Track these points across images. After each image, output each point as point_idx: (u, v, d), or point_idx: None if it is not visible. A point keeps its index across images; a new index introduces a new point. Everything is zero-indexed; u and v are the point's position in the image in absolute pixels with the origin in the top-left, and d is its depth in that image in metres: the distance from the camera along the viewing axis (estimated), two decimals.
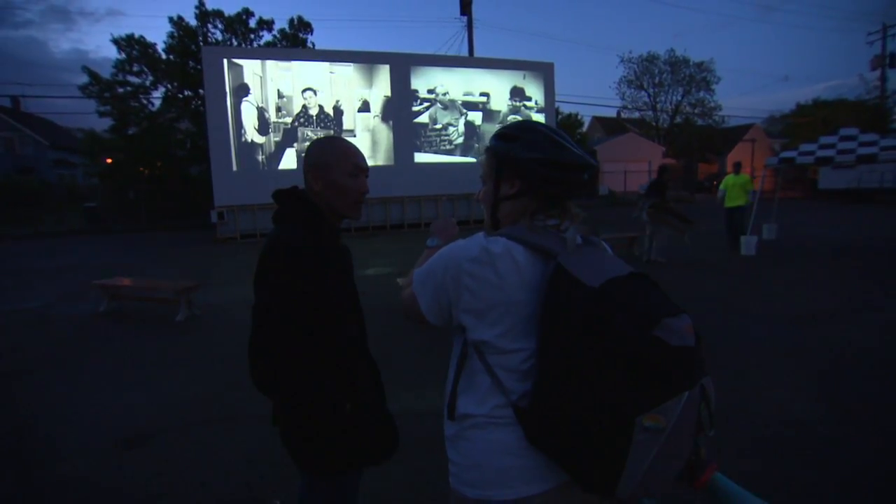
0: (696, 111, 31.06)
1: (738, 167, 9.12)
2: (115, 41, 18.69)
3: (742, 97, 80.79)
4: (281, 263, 1.13)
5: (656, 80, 31.01)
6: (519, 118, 16.88)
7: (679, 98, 31.11)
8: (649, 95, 31.64)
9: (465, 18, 19.70)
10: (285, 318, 1.12)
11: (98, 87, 18.74)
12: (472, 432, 0.91)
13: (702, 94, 30.66)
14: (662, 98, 31.50)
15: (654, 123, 32.28)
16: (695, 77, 30.29)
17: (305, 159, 1.28)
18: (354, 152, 1.28)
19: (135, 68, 19.13)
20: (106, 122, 19.58)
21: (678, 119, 31.47)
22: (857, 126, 8.88)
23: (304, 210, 1.23)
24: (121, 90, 19.05)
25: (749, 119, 34.55)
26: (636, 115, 33.12)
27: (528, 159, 0.93)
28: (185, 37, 19.11)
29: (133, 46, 18.88)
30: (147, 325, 5.53)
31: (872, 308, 5.13)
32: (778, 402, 3.10)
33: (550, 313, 0.81)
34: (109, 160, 19.73)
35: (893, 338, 4.24)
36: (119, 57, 18.81)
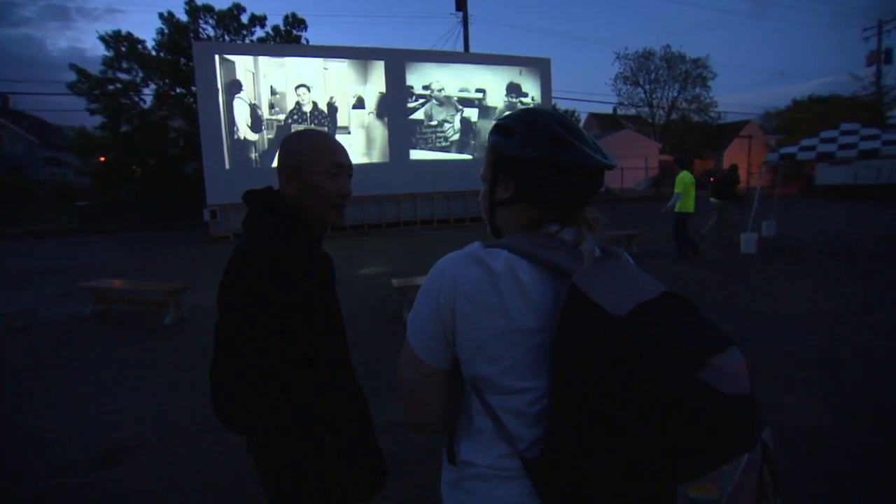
0: (692, 107, 30.99)
1: (685, 163, 8.02)
2: (103, 38, 18.37)
3: (738, 93, 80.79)
4: (248, 276, 0.96)
5: (652, 77, 30.91)
6: None
7: (675, 94, 31.03)
8: (645, 92, 31.54)
9: (460, 14, 19.51)
10: (253, 341, 0.96)
11: (87, 84, 18.40)
12: (474, 484, 0.76)
13: (698, 90, 30.60)
14: (658, 94, 31.41)
15: (650, 120, 32.18)
16: (691, 73, 30.21)
17: (278, 157, 1.11)
18: (333, 148, 1.10)
19: (124, 65, 18.80)
20: (98, 120, 19.30)
21: (674, 115, 31.39)
22: (853, 122, 8.77)
23: (276, 214, 1.06)
24: (111, 87, 18.73)
25: (745, 115, 34.42)
26: (632, 111, 33.01)
27: (522, 159, 0.77)
28: (176, 33, 18.81)
29: (121, 43, 18.56)
30: (133, 329, 5.36)
31: (878, 308, 5.02)
32: (790, 407, 2.98)
33: (565, 348, 0.65)
34: (102, 158, 19.45)
35: None
36: (107, 54, 18.50)
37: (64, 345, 4.86)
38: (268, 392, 0.97)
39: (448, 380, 0.79)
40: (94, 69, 18.55)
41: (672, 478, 0.58)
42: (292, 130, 11.24)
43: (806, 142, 8.65)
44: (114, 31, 18.51)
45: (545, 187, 0.77)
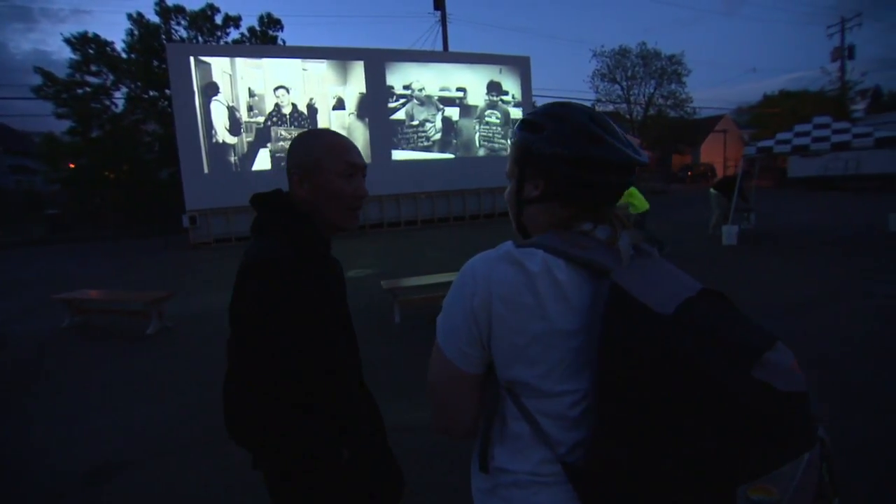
0: (668, 103, 31.55)
1: None
2: (68, 41, 17.74)
3: (712, 89, 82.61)
4: (262, 286, 0.92)
5: (629, 74, 31.33)
6: (497, 113, 16.84)
7: (651, 91, 31.55)
8: (622, 88, 31.96)
9: (438, 13, 19.46)
10: (269, 354, 0.91)
11: (54, 88, 17.75)
12: (511, 491, 0.74)
13: (673, 86, 31.16)
14: (635, 91, 31.86)
15: (627, 116, 32.65)
16: (666, 70, 30.74)
17: (288, 158, 1.06)
18: (347, 147, 1.06)
19: (93, 68, 18.20)
20: (66, 125, 18.63)
21: (651, 111, 31.90)
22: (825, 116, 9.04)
23: (287, 219, 1.02)
24: (80, 91, 18.10)
25: (719, 110, 35.23)
26: (610, 108, 33.41)
27: (551, 156, 0.74)
28: (147, 34, 18.30)
29: (88, 45, 17.96)
30: (115, 341, 5.18)
31: (860, 294, 5.16)
32: None
33: (610, 349, 0.64)
34: (72, 164, 18.80)
35: (886, 324, 4.25)
36: (74, 57, 17.86)
37: (43, 359, 4.67)
38: (286, 408, 0.93)
39: (481, 384, 0.77)
40: (61, 72, 17.94)
41: (730, 479, 0.56)
42: (272, 133, 10.91)
43: (781, 135, 8.88)
44: (80, 33, 17.90)
45: (577, 185, 0.75)
